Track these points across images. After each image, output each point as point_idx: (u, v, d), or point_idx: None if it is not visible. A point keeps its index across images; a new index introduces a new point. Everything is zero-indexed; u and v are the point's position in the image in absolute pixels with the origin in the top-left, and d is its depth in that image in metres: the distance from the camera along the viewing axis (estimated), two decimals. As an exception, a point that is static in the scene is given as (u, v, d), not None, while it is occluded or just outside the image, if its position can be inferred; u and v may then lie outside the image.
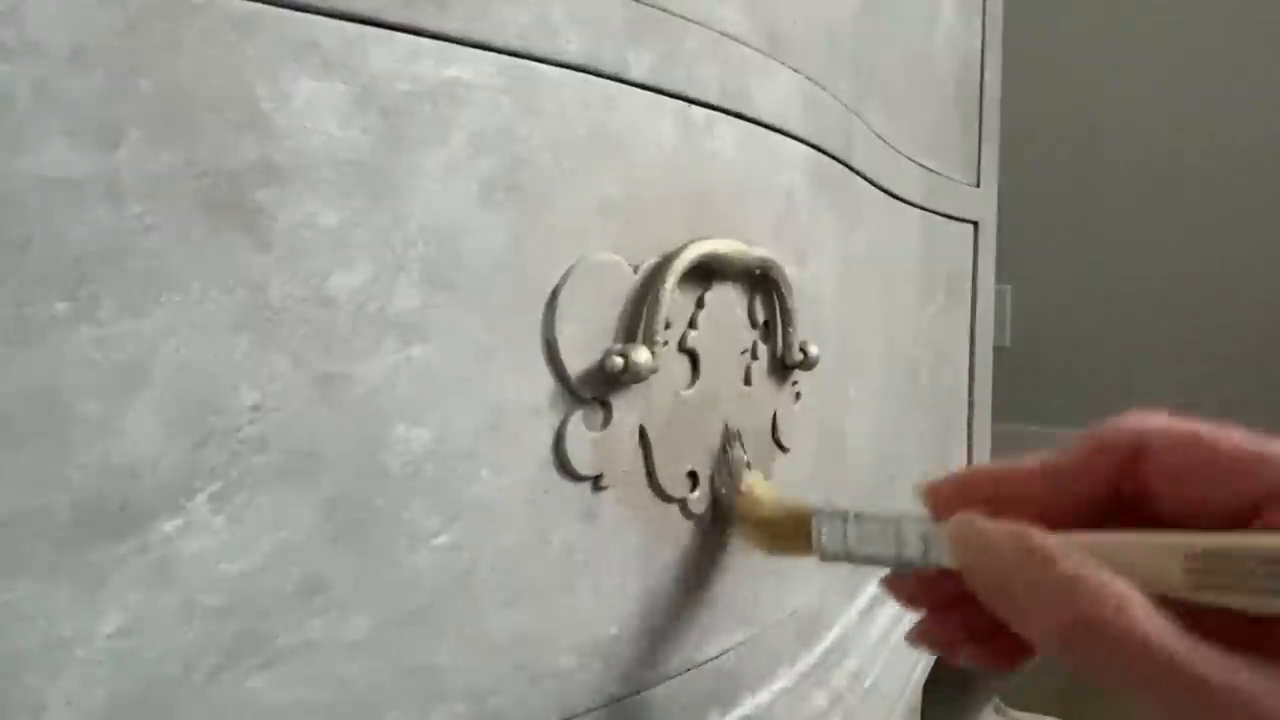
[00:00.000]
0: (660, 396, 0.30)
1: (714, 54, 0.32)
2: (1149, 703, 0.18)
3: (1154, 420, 0.21)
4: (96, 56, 0.18)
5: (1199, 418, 0.21)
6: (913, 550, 0.24)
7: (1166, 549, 0.20)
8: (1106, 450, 0.21)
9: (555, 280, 0.26)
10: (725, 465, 0.32)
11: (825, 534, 0.27)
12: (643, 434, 0.29)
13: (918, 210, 0.57)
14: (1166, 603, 0.19)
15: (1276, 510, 0.19)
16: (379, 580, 0.23)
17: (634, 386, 0.28)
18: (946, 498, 0.24)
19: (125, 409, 0.19)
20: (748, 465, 0.33)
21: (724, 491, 0.32)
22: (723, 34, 0.32)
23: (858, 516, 0.26)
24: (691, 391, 0.32)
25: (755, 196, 0.35)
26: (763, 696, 0.37)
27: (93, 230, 0.18)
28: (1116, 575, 0.19)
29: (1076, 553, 0.20)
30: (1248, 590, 0.19)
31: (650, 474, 0.30)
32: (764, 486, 0.32)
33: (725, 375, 0.33)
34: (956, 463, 0.68)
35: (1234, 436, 0.20)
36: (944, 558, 0.23)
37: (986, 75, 0.69)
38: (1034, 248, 1.80)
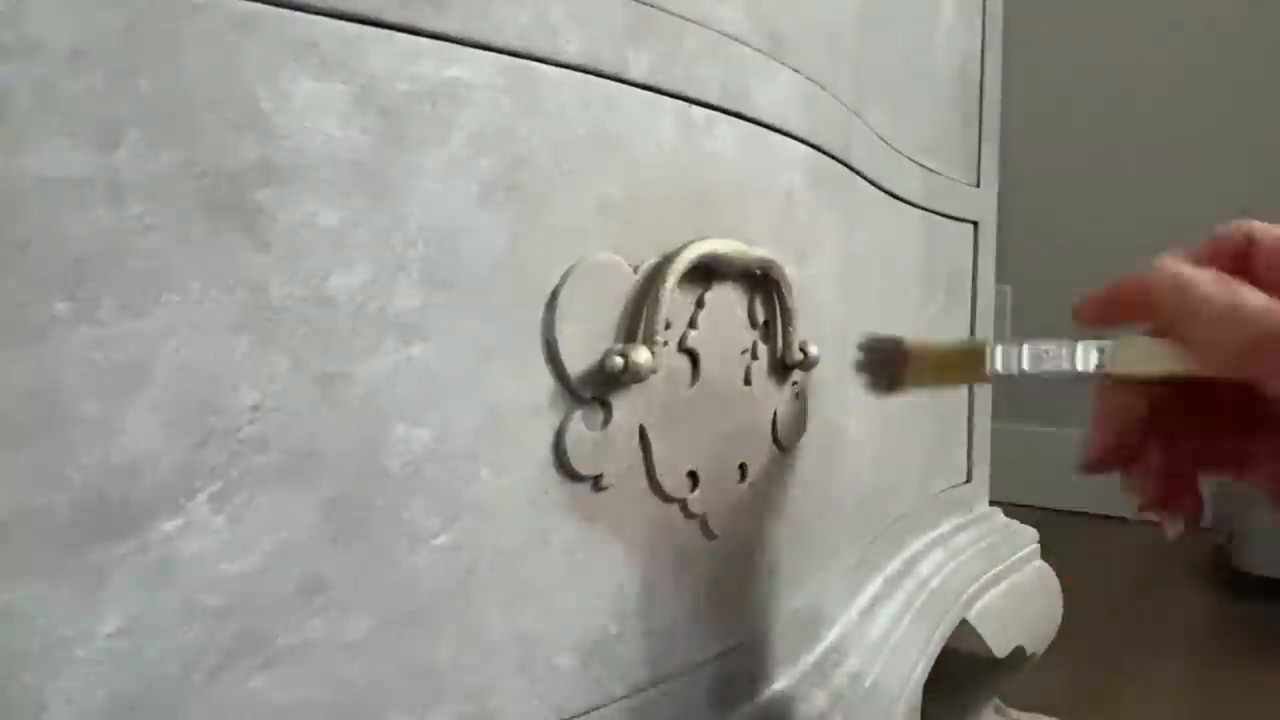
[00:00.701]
0: (660, 396, 0.30)
1: (714, 54, 0.32)
2: None
3: (1259, 224, 0.24)
4: (96, 56, 0.18)
5: None
6: (1085, 363, 0.26)
7: None
8: (1222, 248, 0.24)
9: (555, 280, 0.26)
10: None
11: (1000, 356, 0.28)
12: (643, 434, 0.29)
13: (918, 210, 0.57)
14: None
15: None
16: (379, 580, 0.23)
17: (634, 386, 0.28)
18: (1099, 308, 0.26)
19: (125, 409, 0.19)
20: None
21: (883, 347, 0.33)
22: (723, 34, 0.32)
23: (1031, 341, 0.28)
24: (691, 391, 0.32)
25: (755, 196, 0.35)
26: (763, 696, 0.37)
27: (93, 230, 0.18)
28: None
29: (1224, 283, 0.21)
30: None
31: (650, 474, 0.30)
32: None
33: (725, 375, 0.33)
34: (956, 463, 0.68)
35: None
36: (1117, 363, 0.25)
37: (986, 75, 0.69)
38: (1034, 248, 1.79)
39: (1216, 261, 0.24)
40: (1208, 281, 0.22)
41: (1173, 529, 0.26)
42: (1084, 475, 0.27)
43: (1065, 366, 0.26)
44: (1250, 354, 0.21)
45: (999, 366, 0.28)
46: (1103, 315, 0.26)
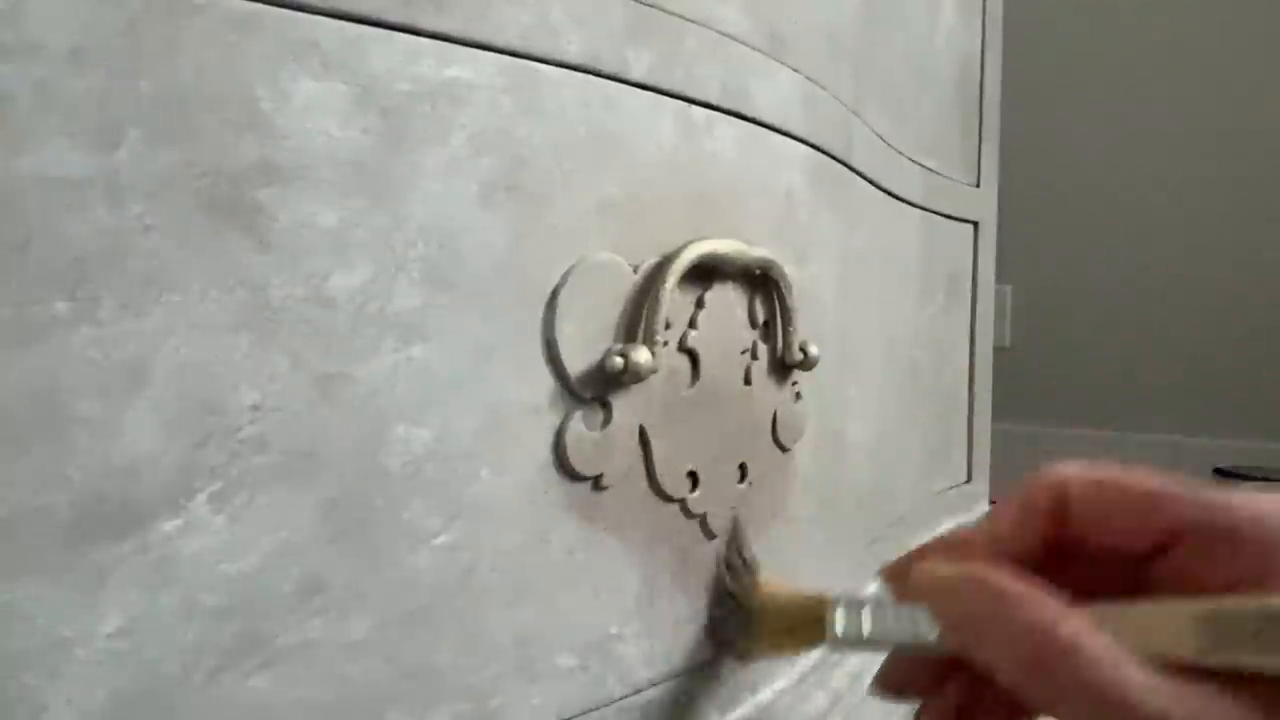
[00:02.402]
0: (660, 396, 0.30)
1: (714, 54, 0.32)
2: None
3: (1071, 468, 0.23)
4: (96, 56, 0.18)
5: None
6: (929, 633, 0.24)
7: (1174, 614, 0.20)
8: (1035, 506, 0.23)
9: (555, 280, 0.26)
10: (740, 560, 0.32)
11: (841, 620, 0.26)
12: (643, 434, 0.29)
13: (918, 210, 0.57)
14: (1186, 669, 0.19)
15: (1184, 544, 0.21)
16: (379, 580, 0.23)
17: (634, 386, 0.28)
18: (904, 576, 0.24)
19: (125, 409, 0.19)
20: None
21: (738, 587, 0.31)
22: (723, 34, 0.32)
23: (877, 604, 0.26)
24: (692, 391, 0.32)
25: (755, 196, 0.35)
26: (763, 696, 0.37)
27: (93, 230, 0.18)
28: (1122, 640, 0.19)
29: (1030, 589, 0.20)
30: (1255, 650, 0.19)
31: (650, 474, 0.30)
32: (777, 581, 0.31)
33: (725, 375, 0.33)
34: (956, 463, 0.68)
35: (1142, 476, 0.22)
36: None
37: (986, 75, 0.69)
38: (1034, 248, 1.80)
39: (1034, 521, 0.23)
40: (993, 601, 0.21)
41: None
42: (873, 694, 0.26)
43: (907, 633, 0.24)
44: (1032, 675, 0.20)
45: (839, 630, 0.26)
46: (899, 584, 0.24)
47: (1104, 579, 0.22)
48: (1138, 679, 0.18)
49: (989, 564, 0.22)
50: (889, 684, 0.26)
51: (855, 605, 0.26)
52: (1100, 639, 0.19)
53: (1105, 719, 0.18)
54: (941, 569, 0.22)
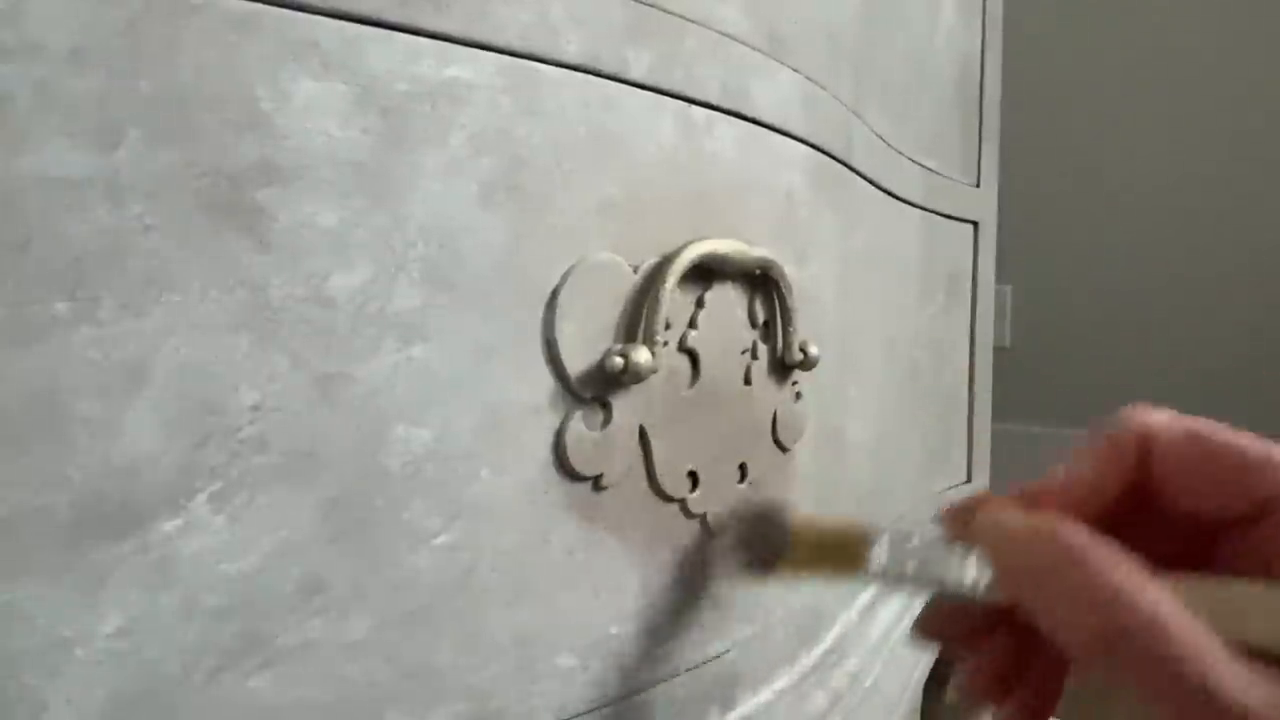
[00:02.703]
0: (660, 396, 0.30)
1: (714, 54, 0.32)
2: None
3: (1158, 417, 0.21)
4: (96, 56, 0.18)
5: (1202, 418, 0.21)
6: (982, 580, 0.22)
7: (1271, 601, 0.18)
8: (1118, 455, 0.21)
9: (555, 280, 0.26)
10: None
11: (884, 553, 0.24)
12: (643, 434, 0.29)
13: (918, 210, 0.57)
14: None
15: (1277, 516, 0.19)
16: (379, 580, 0.23)
17: (634, 386, 0.28)
18: (965, 519, 0.23)
19: (125, 409, 0.19)
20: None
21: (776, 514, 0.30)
22: (723, 34, 0.32)
23: (926, 543, 0.24)
24: (692, 391, 0.32)
25: (755, 196, 0.35)
26: (763, 696, 0.37)
27: (93, 230, 0.18)
28: (1209, 622, 0.18)
29: (1108, 552, 0.18)
30: None
31: (650, 474, 0.30)
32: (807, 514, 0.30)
33: (725, 375, 0.33)
34: (956, 463, 0.68)
35: (1238, 436, 0.20)
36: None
37: (986, 75, 0.69)
38: (1034, 248, 1.80)
39: (1116, 471, 0.21)
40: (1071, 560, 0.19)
41: None
42: (913, 637, 0.24)
43: (955, 579, 0.23)
44: (1104, 647, 0.18)
45: (881, 562, 0.24)
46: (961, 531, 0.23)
47: (1184, 543, 0.21)
48: (1222, 667, 0.17)
49: (1061, 517, 0.20)
50: (930, 629, 0.24)
51: (902, 540, 0.24)
52: (1184, 618, 0.17)
53: (1179, 705, 0.17)
54: (1009, 518, 0.20)
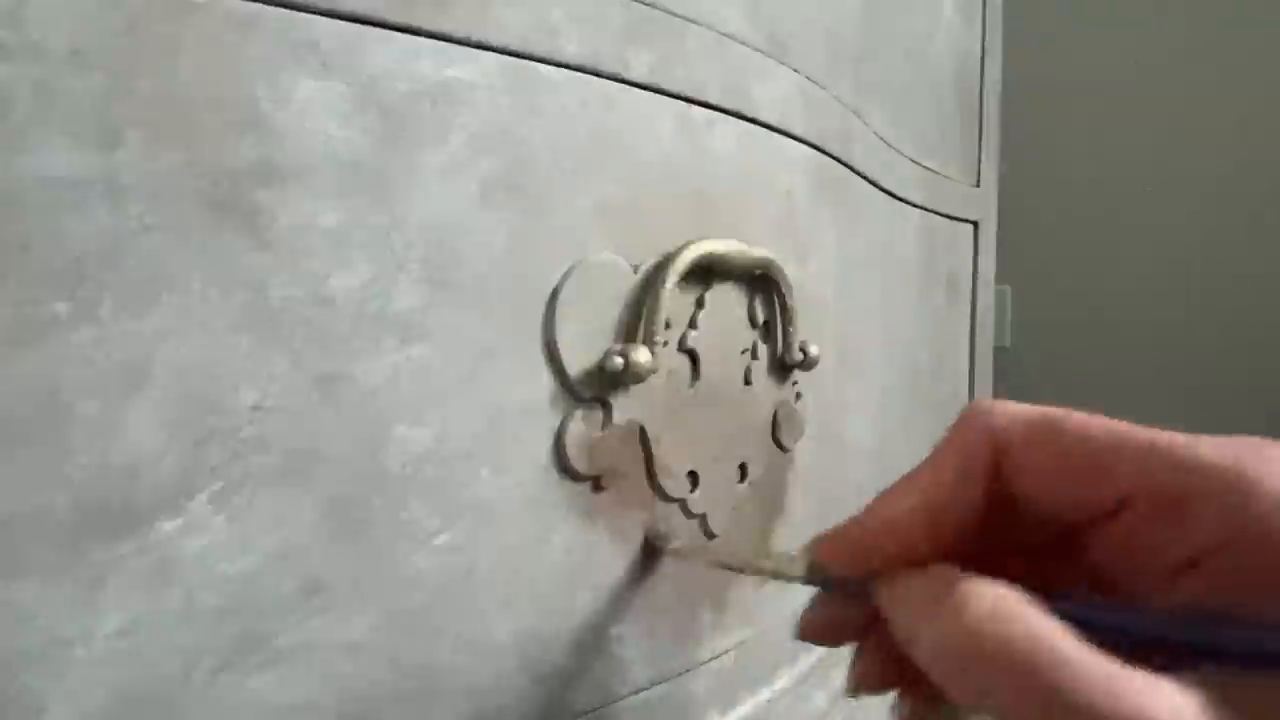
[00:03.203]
0: (660, 396, 0.30)
1: (714, 54, 0.32)
2: None
3: (1002, 417, 0.20)
4: (96, 57, 0.18)
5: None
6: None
7: None
8: (973, 469, 0.20)
9: (555, 280, 0.26)
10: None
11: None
12: (643, 434, 0.29)
13: (918, 210, 0.57)
14: None
15: (1136, 509, 0.18)
16: (379, 580, 0.23)
17: (634, 386, 0.28)
18: (847, 554, 0.21)
19: (125, 409, 0.19)
20: None
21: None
22: (723, 34, 0.32)
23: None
24: (691, 391, 0.32)
25: (755, 196, 0.35)
26: (763, 696, 0.37)
27: (93, 230, 0.18)
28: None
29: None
30: None
31: (650, 474, 0.30)
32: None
33: (725, 375, 0.33)
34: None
35: (1088, 425, 0.19)
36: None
37: (986, 75, 0.69)
38: (1034, 248, 1.80)
39: (969, 486, 0.20)
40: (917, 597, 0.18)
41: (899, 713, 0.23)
42: (799, 639, 0.23)
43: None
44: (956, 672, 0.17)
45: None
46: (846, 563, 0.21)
47: (1056, 540, 0.20)
48: (1082, 655, 0.15)
49: (939, 559, 0.19)
50: (812, 632, 0.23)
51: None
52: (1029, 606, 0.16)
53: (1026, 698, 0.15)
54: (912, 582, 0.19)
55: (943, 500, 0.20)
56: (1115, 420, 0.19)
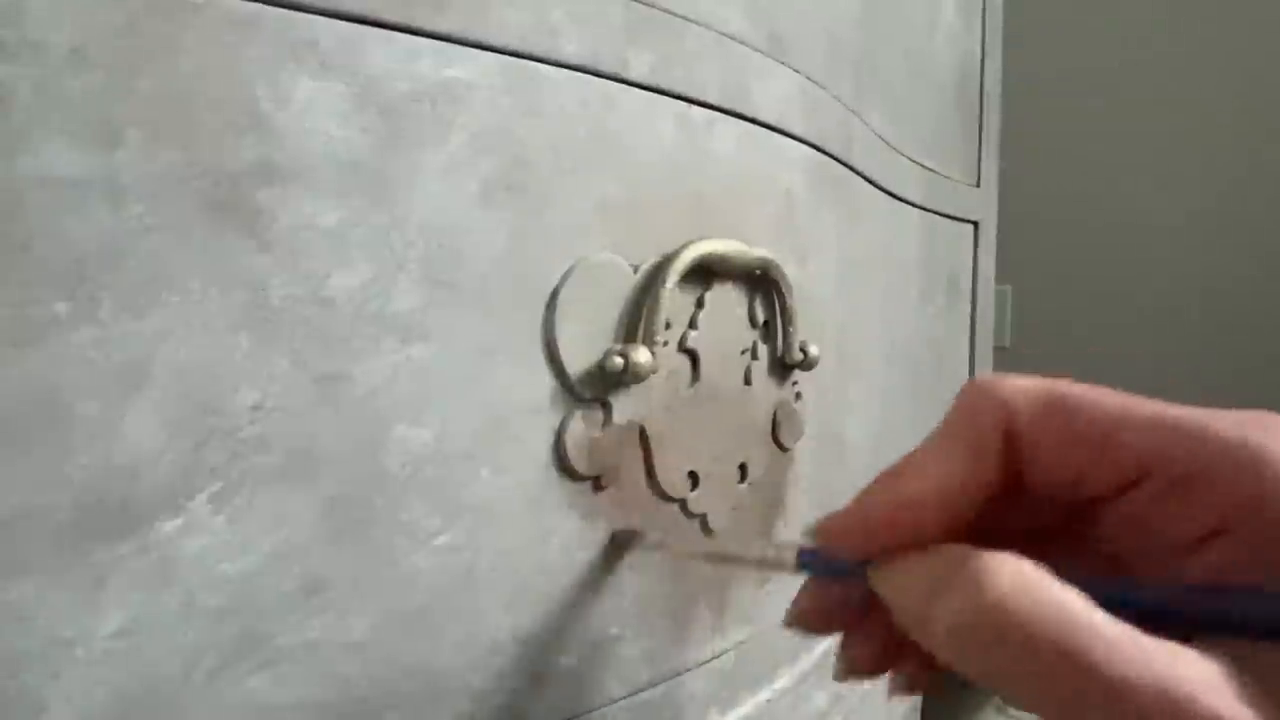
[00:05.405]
0: (660, 396, 0.30)
1: (714, 54, 0.32)
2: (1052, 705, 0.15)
3: (1013, 391, 0.19)
4: (96, 56, 0.18)
5: (1059, 380, 0.19)
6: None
7: None
8: (986, 451, 0.19)
9: (555, 280, 0.26)
10: None
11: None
12: (643, 434, 0.29)
13: (918, 210, 0.57)
14: None
15: (1148, 483, 0.18)
16: (379, 580, 0.23)
17: (634, 386, 0.28)
18: (849, 536, 0.21)
19: (125, 409, 0.19)
20: None
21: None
22: (723, 34, 0.32)
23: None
24: (692, 391, 0.32)
25: (755, 196, 0.35)
26: (763, 696, 0.37)
27: (93, 230, 0.18)
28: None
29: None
30: None
31: (650, 474, 0.30)
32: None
33: (725, 375, 0.33)
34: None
35: (1098, 398, 0.18)
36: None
37: (986, 75, 0.69)
38: (1034, 248, 1.80)
39: (983, 465, 0.19)
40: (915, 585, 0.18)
41: (893, 692, 0.23)
42: (787, 626, 0.23)
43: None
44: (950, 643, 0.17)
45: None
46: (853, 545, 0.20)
47: (1065, 516, 0.20)
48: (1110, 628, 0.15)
49: (955, 542, 0.18)
50: (801, 620, 0.22)
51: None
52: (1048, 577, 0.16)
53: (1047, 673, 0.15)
54: (915, 563, 0.19)
55: (957, 480, 0.19)
56: (1119, 392, 0.19)
